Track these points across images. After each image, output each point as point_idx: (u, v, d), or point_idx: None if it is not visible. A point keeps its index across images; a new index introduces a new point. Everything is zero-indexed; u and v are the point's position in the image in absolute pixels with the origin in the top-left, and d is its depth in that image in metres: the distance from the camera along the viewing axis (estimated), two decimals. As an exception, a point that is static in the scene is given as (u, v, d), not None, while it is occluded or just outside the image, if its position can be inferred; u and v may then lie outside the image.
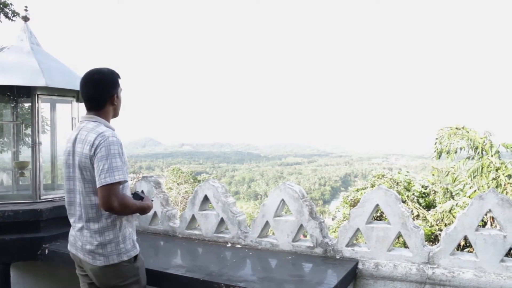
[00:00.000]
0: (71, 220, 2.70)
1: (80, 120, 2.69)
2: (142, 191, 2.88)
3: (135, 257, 2.71)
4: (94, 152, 2.45)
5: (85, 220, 2.58)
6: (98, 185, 2.41)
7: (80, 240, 2.61)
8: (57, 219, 4.07)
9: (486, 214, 3.16)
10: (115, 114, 2.79)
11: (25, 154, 4.95)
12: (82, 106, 4.76)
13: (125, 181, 2.51)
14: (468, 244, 10.77)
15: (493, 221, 10.58)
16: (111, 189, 2.39)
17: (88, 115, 2.66)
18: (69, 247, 2.78)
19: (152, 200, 2.93)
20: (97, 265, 2.57)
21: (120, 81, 2.73)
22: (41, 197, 4.36)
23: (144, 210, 2.74)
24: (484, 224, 10.47)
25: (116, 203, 2.41)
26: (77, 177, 2.58)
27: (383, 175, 21.08)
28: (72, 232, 2.72)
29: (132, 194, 2.79)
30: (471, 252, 3.83)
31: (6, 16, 11.61)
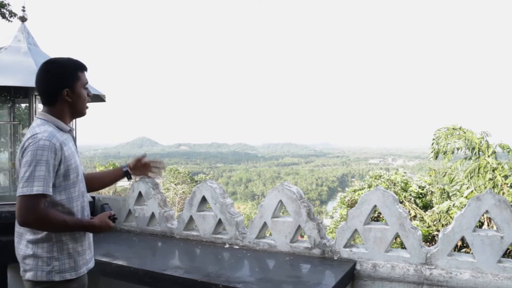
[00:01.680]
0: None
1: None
2: (109, 206, 2.52)
3: (71, 280, 2.28)
4: (22, 155, 2.13)
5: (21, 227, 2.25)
6: (17, 193, 2.07)
7: (17, 248, 2.30)
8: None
9: (483, 215, 3.17)
10: (76, 112, 2.39)
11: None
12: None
13: (45, 195, 2.09)
14: (465, 245, 10.80)
15: (490, 221, 10.61)
16: (27, 202, 2.04)
17: (41, 111, 2.33)
18: None
19: (116, 218, 2.48)
20: (25, 278, 2.25)
21: (82, 73, 2.36)
22: (38, 198, 4.34)
23: (86, 228, 2.33)
24: (481, 225, 10.50)
25: (31, 219, 2.07)
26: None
27: (380, 176, 21.11)
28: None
29: (101, 205, 2.54)
30: (468, 252, 3.84)
31: (4, 16, 11.58)
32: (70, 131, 2.37)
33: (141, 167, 2.82)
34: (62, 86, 2.28)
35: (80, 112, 2.42)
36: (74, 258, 2.29)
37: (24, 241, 2.25)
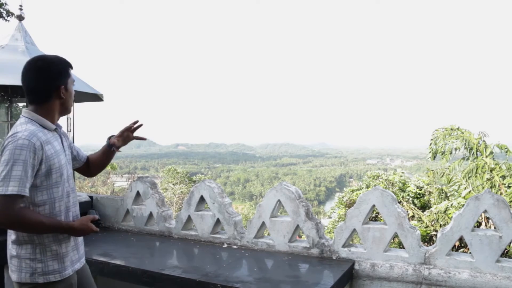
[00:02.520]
0: None
1: None
2: (94, 211, 2.45)
3: (56, 282, 2.25)
4: (1, 154, 2.10)
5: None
6: None
7: (8, 250, 2.29)
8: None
9: (481, 215, 3.17)
10: (65, 110, 2.39)
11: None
12: (78, 106, 4.75)
13: (21, 196, 2.05)
14: (462, 245, 10.81)
15: (488, 221, 10.62)
16: (1, 202, 2.00)
17: (27, 109, 2.29)
18: None
19: (100, 223, 2.42)
20: (12, 279, 2.23)
21: (71, 71, 2.37)
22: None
23: (65, 231, 2.25)
24: (478, 225, 10.51)
25: (5, 219, 2.02)
26: None
27: (378, 176, 21.13)
28: None
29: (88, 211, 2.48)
30: (465, 252, 3.84)
31: (1, 15, 11.55)
32: (56, 130, 2.35)
33: (124, 137, 2.77)
34: (59, 83, 2.28)
35: (69, 109, 2.43)
36: (57, 260, 2.26)
37: (10, 241, 2.24)
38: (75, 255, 2.39)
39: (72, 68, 2.39)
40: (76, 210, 2.44)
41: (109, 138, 2.76)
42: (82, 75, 4.45)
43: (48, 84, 2.26)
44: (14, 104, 5.22)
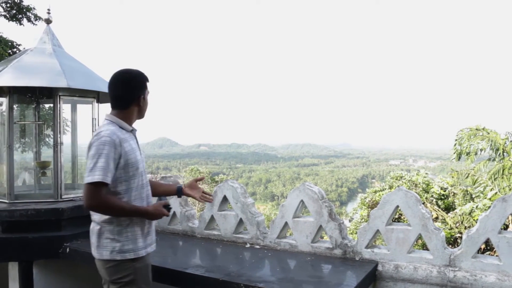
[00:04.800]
0: None
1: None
2: (165, 197, 2.81)
3: (132, 259, 2.58)
4: (88, 151, 2.48)
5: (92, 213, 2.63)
6: (84, 182, 2.44)
7: (91, 231, 2.64)
8: (77, 218, 4.12)
9: (508, 217, 3.10)
10: (140, 116, 2.75)
11: (47, 154, 5.03)
12: (102, 106, 4.83)
13: (104, 183, 2.39)
14: (488, 248, 10.59)
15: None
16: (88, 188, 2.37)
17: (109, 113, 2.67)
18: None
19: (170, 208, 2.77)
20: (95, 257, 2.59)
21: (148, 84, 2.73)
22: (62, 197, 4.42)
23: (141, 215, 2.61)
24: (505, 227, 10.28)
25: (94, 203, 2.40)
26: None
27: (401, 177, 20.89)
28: None
29: (158, 197, 2.84)
30: (492, 255, 3.77)
31: (29, 20, 11.89)
32: (132, 131, 2.69)
33: (194, 189, 3.09)
34: (139, 93, 2.67)
35: (143, 115, 2.78)
36: (132, 241, 2.57)
37: (93, 224, 2.61)
38: (148, 240, 2.70)
39: (148, 81, 2.74)
40: (150, 201, 2.76)
41: (181, 185, 3.09)
42: (102, 75, 4.53)
43: (131, 94, 2.65)
44: (41, 105, 5.33)
